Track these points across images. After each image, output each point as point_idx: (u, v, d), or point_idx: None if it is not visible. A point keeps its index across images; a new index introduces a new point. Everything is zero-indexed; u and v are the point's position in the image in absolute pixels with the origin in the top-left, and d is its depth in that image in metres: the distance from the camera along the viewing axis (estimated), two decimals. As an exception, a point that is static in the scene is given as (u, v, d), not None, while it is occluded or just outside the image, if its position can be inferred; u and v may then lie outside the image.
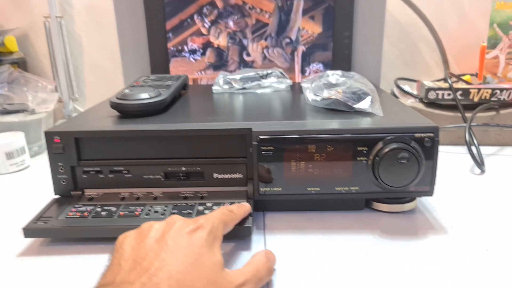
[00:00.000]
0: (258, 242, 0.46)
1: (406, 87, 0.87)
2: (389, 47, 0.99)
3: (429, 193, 0.48)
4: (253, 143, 0.47)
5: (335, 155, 0.47)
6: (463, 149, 0.75)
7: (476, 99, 0.76)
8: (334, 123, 0.49)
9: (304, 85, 0.64)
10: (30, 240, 0.47)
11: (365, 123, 0.49)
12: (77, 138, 0.49)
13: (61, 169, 0.50)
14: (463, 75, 0.90)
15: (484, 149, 0.74)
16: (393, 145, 0.46)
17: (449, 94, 0.77)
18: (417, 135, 0.46)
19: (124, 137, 0.50)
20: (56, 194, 0.51)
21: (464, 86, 0.79)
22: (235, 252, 0.44)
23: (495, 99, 0.75)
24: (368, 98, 0.53)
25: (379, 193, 0.49)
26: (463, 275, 0.39)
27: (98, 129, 0.49)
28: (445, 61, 0.94)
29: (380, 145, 0.47)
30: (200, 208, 0.47)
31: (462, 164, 0.68)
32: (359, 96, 0.54)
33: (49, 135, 0.49)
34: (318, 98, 0.56)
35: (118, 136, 0.50)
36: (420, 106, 0.80)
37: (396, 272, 0.40)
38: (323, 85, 0.57)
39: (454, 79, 0.85)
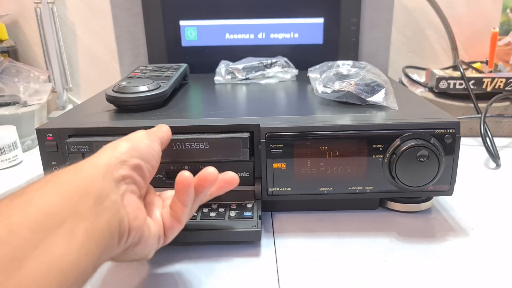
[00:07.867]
0: (268, 246, 0.43)
1: (415, 76, 0.83)
2: (395, 33, 0.95)
3: (449, 192, 0.45)
4: (262, 140, 0.44)
5: (349, 153, 0.44)
6: (474, 141, 0.72)
7: (489, 89, 0.73)
8: (348, 118, 0.46)
9: (311, 75, 0.61)
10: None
11: (380, 118, 0.46)
12: (72, 136, 0.46)
13: (55, 168, 0.46)
14: (473, 62, 0.87)
15: (497, 141, 0.71)
16: (411, 142, 0.43)
17: (461, 84, 0.73)
18: (437, 131, 0.43)
19: (122, 134, 0.46)
20: (50, 195, 0.47)
21: (477, 75, 0.75)
22: (243, 259, 0.41)
23: (510, 88, 0.72)
24: (383, 91, 0.50)
25: (395, 192, 0.46)
26: (493, 283, 0.37)
27: (94, 125, 0.46)
28: (454, 48, 0.91)
29: (397, 142, 0.44)
30: (205, 210, 0.44)
31: (476, 158, 0.65)
32: (373, 88, 0.50)
33: (41, 132, 0.45)
34: (329, 90, 0.52)
35: (116, 133, 0.46)
36: (430, 96, 0.77)
37: (419, 280, 0.37)
38: (333, 76, 0.53)
39: (464, 67, 0.82)
